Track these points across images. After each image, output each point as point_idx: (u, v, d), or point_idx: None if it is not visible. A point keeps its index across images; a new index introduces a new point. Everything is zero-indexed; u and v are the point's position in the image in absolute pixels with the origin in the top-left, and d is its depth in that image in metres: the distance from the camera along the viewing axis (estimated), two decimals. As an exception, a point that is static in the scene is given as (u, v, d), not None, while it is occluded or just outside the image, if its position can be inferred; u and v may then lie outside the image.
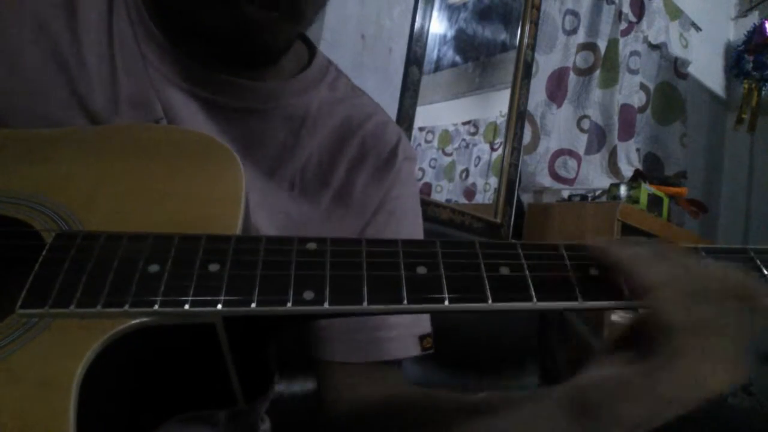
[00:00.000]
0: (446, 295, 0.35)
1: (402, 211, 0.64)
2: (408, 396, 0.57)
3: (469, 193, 1.93)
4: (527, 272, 0.37)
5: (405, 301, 0.35)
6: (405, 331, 0.60)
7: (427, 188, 1.89)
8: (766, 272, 0.36)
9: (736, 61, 2.74)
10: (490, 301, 0.36)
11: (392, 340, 0.60)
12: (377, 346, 0.59)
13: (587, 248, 0.39)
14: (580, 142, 2.11)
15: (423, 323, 0.62)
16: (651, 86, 2.45)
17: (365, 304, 0.34)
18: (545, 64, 2.04)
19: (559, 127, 2.08)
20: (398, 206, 0.64)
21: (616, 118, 2.21)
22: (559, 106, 2.06)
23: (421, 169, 1.91)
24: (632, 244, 0.38)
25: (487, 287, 0.36)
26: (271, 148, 0.59)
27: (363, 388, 0.58)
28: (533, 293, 0.36)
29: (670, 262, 0.36)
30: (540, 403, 0.40)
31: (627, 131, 2.26)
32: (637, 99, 2.34)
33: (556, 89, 2.05)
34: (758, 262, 0.36)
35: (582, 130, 2.11)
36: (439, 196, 1.90)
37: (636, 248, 0.38)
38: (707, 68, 2.74)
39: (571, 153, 2.09)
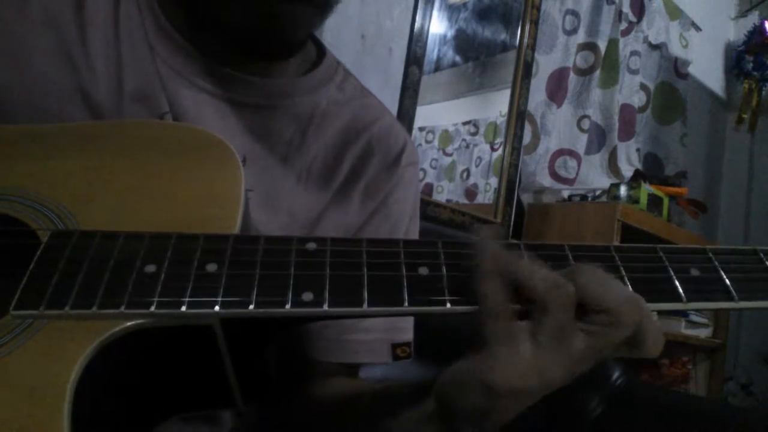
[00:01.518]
0: (448, 297, 0.35)
1: (398, 217, 0.64)
2: (356, 393, 0.56)
3: (471, 193, 1.93)
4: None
5: (406, 303, 0.34)
6: (378, 336, 0.60)
7: (428, 188, 1.88)
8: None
9: (736, 61, 2.74)
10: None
11: (362, 344, 0.59)
12: (346, 348, 0.59)
13: (595, 249, 0.38)
14: (580, 142, 2.10)
15: (401, 331, 0.61)
16: (651, 86, 2.44)
17: (365, 305, 0.34)
18: (545, 64, 2.03)
19: (559, 127, 2.07)
20: (395, 211, 0.63)
21: (616, 118, 2.20)
22: (559, 106, 2.05)
23: (422, 170, 1.90)
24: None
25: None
26: (278, 145, 0.58)
27: (335, 385, 0.58)
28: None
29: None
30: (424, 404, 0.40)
31: (627, 131, 2.26)
32: (637, 99, 2.33)
33: (556, 89, 2.04)
34: (767, 263, 0.35)
35: (582, 130, 2.11)
36: (440, 196, 1.89)
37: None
38: (707, 68, 2.74)
39: (571, 153, 2.09)
